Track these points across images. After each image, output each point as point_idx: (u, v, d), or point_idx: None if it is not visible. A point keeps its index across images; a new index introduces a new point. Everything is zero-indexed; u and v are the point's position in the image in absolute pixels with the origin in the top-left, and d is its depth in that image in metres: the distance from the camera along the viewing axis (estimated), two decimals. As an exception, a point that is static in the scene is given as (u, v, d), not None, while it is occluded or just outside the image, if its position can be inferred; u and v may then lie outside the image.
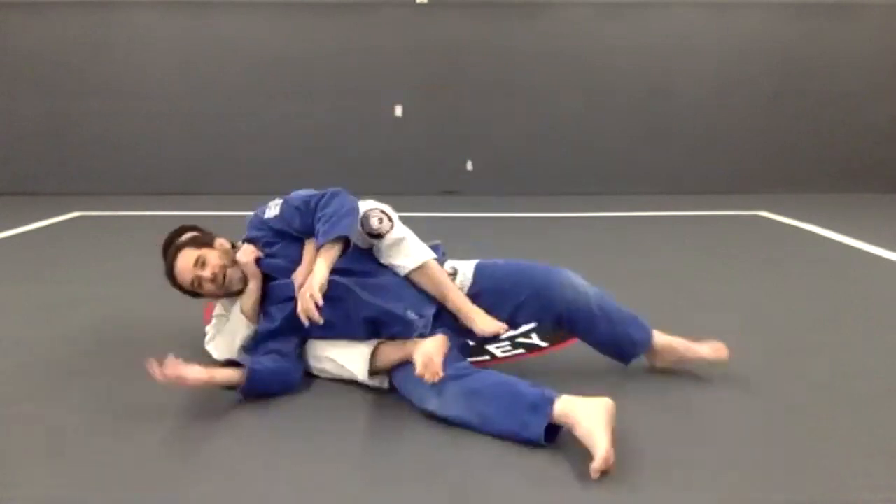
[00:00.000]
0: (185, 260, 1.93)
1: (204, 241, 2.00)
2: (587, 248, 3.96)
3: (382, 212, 1.91)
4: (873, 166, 6.43)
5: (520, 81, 6.32)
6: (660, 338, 1.97)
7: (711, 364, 1.94)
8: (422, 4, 6.22)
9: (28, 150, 6.35)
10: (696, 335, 2.37)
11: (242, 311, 1.95)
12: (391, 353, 1.85)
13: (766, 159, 6.45)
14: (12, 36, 6.15)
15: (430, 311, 1.89)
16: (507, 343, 2.27)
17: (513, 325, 1.95)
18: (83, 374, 2.04)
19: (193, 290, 1.97)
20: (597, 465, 1.41)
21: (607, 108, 6.37)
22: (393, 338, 1.87)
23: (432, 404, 1.69)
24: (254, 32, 6.22)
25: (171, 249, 1.99)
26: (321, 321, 1.70)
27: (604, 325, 1.91)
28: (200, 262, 1.92)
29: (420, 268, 1.90)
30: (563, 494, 1.41)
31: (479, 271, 1.99)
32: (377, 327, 1.88)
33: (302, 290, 1.72)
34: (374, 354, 1.85)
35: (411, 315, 1.84)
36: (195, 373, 1.68)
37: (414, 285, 1.92)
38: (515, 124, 6.40)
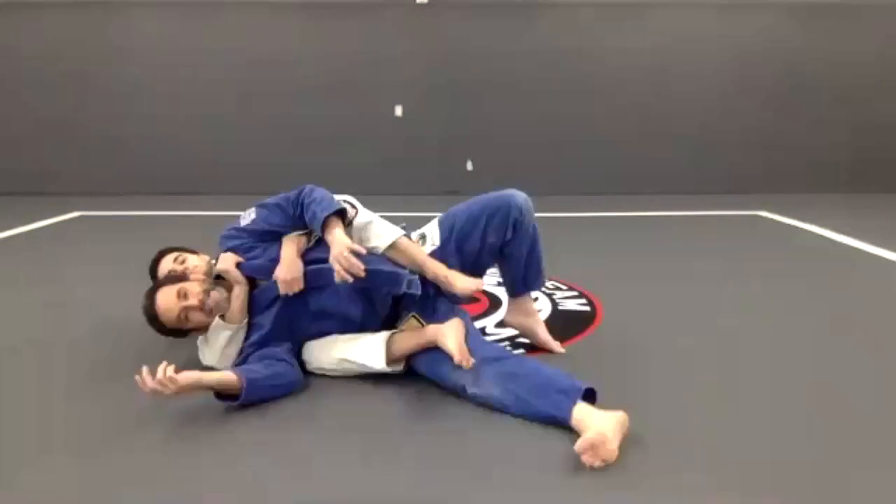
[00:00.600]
0: (167, 297, 1.90)
1: (178, 276, 2.00)
2: (587, 248, 3.96)
3: (346, 202, 2.02)
4: (873, 166, 6.43)
5: (520, 81, 6.32)
6: (532, 302, 2.19)
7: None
8: (422, 4, 6.22)
9: (28, 150, 6.35)
10: (696, 335, 2.38)
11: (228, 315, 1.94)
12: (407, 341, 1.88)
13: (766, 159, 6.45)
14: (12, 36, 6.15)
15: (414, 275, 1.96)
16: (507, 343, 2.27)
17: (485, 242, 2.01)
18: (83, 374, 2.05)
19: (179, 326, 1.94)
20: (584, 444, 1.44)
21: (607, 108, 6.37)
22: (385, 299, 1.93)
23: (469, 385, 1.75)
24: (254, 32, 6.22)
25: (148, 292, 1.96)
26: (363, 274, 1.78)
27: (529, 244, 2.06)
28: (182, 294, 1.90)
29: (392, 245, 1.99)
30: (565, 493, 1.41)
31: (441, 223, 2.08)
32: (369, 295, 1.94)
33: (333, 255, 1.79)
34: (389, 342, 1.87)
35: (398, 269, 1.92)
36: (183, 377, 1.64)
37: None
38: (515, 124, 6.40)
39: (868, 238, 3.99)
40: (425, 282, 1.98)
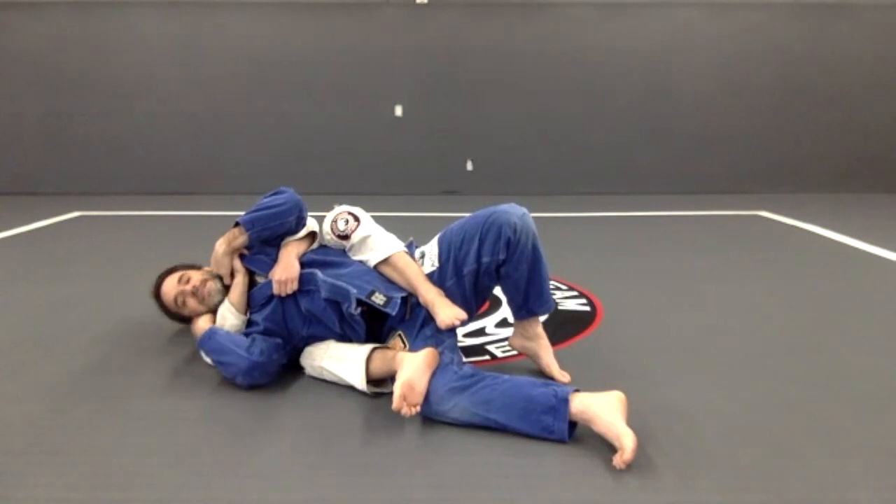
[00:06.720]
0: (170, 280, 2.10)
1: (189, 266, 2.17)
2: (588, 248, 3.96)
3: (350, 213, 2.04)
4: (873, 166, 6.44)
5: (520, 81, 6.32)
6: (539, 325, 2.03)
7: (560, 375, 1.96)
8: (422, 4, 6.23)
9: (28, 150, 6.35)
10: (697, 335, 2.38)
11: (230, 301, 2.01)
12: (381, 365, 1.84)
13: (766, 159, 6.46)
14: (12, 36, 6.15)
15: (399, 293, 1.92)
16: (506, 343, 2.27)
17: (481, 263, 1.89)
18: (82, 374, 2.05)
19: (178, 310, 2.08)
20: (628, 456, 1.45)
21: (607, 108, 6.37)
22: (349, 313, 1.88)
23: (443, 416, 1.68)
24: (254, 32, 6.22)
25: (161, 273, 2.17)
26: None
27: (527, 266, 1.89)
28: (184, 280, 2.06)
29: (385, 261, 1.98)
30: (564, 493, 1.41)
31: (440, 242, 2.01)
32: (339, 308, 1.91)
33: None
34: (368, 362, 1.84)
35: (352, 289, 1.88)
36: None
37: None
38: (515, 124, 6.40)
39: (868, 238, 3.99)
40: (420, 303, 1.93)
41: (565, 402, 1.57)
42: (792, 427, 1.69)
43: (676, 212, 5.34)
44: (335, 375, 1.90)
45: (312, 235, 2.13)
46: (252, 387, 1.90)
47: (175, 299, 2.06)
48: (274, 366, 1.92)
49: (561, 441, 1.58)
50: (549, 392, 1.61)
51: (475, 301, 2.01)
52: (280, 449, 1.60)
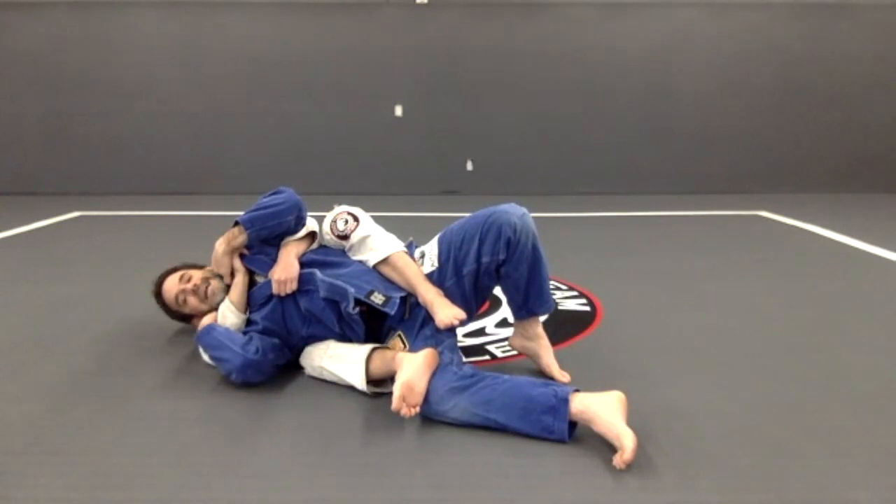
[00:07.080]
0: (172, 279, 2.13)
1: (190, 265, 2.20)
2: (587, 248, 3.96)
3: (349, 213, 2.05)
4: (873, 166, 6.44)
5: (520, 81, 6.32)
6: (539, 325, 2.03)
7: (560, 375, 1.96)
8: (422, 4, 6.23)
9: (28, 150, 6.35)
10: (697, 335, 2.38)
11: (230, 301, 2.02)
12: (381, 366, 1.83)
13: (766, 159, 6.46)
14: (12, 36, 6.15)
15: (398, 293, 1.92)
16: (506, 343, 2.27)
17: (480, 263, 1.89)
18: (82, 374, 2.04)
19: (179, 309, 2.11)
20: (628, 456, 1.45)
21: (607, 108, 6.37)
22: (348, 313, 1.88)
23: (443, 416, 1.68)
24: (254, 32, 6.23)
25: (162, 273, 2.20)
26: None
27: (527, 266, 1.88)
28: (186, 279, 2.09)
29: (385, 261, 1.98)
30: (564, 493, 1.41)
31: (440, 242, 2.00)
32: (337, 307, 1.91)
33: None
34: (367, 362, 1.84)
35: (351, 288, 1.88)
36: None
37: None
38: (515, 124, 6.40)
39: (868, 238, 3.99)
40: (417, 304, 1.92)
41: (565, 402, 1.58)
42: (792, 427, 1.69)
43: (676, 212, 5.34)
44: (335, 375, 1.90)
45: (312, 235, 2.13)
46: (247, 385, 1.90)
47: (176, 297, 2.08)
48: (269, 365, 1.92)
49: (561, 441, 1.58)
50: (549, 392, 1.61)
51: (475, 301, 2.01)
52: (280, 449, 1.60)
